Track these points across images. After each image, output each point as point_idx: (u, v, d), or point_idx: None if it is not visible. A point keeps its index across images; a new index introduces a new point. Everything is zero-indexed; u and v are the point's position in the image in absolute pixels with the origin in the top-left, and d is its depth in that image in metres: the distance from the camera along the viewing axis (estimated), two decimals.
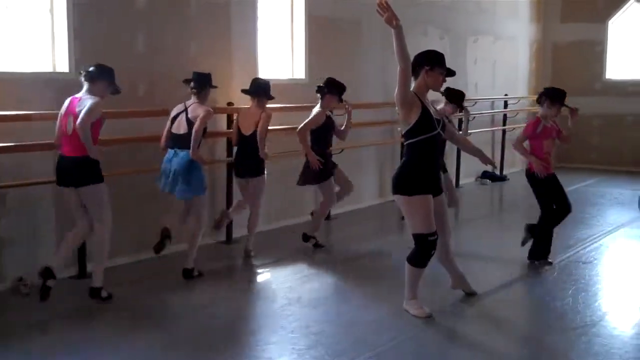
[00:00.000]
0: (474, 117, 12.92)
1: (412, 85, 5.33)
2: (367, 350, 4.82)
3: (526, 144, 6.94)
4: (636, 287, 6.49)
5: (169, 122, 6.41)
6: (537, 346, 5.13)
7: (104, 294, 5.78)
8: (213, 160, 7.70)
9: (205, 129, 6.33)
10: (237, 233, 7.95)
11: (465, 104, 7.86)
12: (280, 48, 8.99)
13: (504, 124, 13.65)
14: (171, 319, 5.52)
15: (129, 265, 6.81)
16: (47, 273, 5.52)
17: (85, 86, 5.62)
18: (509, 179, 13.21)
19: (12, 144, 5.89)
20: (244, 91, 7.18)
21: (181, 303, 5.90)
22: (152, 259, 6.69)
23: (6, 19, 6.23)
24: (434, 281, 6.04)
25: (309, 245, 7.69)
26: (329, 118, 7.56)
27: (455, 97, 7.49)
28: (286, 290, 6.25)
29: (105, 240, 5.76)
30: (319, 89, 7.45)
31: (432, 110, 5.39)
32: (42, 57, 6.44)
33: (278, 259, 7.32)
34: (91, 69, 5.63)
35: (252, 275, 6.91)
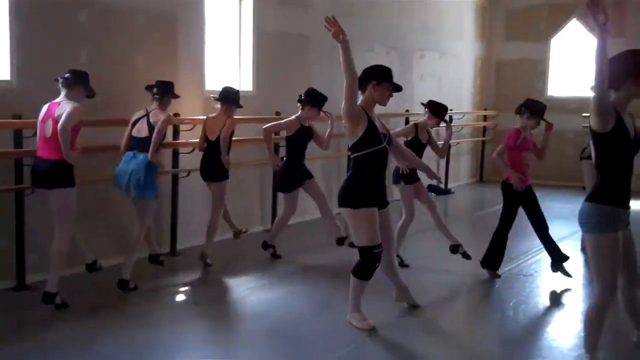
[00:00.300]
0: (462, 128, 13.14)
1: (360, 99, 5.40)
2: None
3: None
4: (576, 300, 6.64)
5: (129, 127, 6.55)
6: (479, 358, 5.21)
7: (57, 300, 5.81)
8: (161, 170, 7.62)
9: (164, 136, 6.53)
10: (180, 244, 7.88)
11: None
12: (228, 61, 8.99)
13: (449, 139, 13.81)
14: (108, 333, 5.40)
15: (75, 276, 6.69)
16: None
17: (63, 92, 5.84)
18: (453, 192, 13.43)
19: None
20: (214, 98, 7.35)
21: (116, 317, 5.76)
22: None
23: None
24: (378, 293, 6.08)
25: (267, 254, 7.75)
26: (306, 128, 7.56)
27: (438, 110, 7.45)
28: (230, 304, 6.22)
29: (64, 247, 5.84)
30: (300, 100, 7.48)
31: (378, 124, 5.46)
32: None
33: (226, 270, 7.28)
34: (67, 75, 5.85)
35: (198, 286, 6.85)
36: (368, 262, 5.38)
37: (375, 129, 5.36)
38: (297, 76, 9.70)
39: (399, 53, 12.25)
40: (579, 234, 8.56)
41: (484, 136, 15.35)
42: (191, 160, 7.76)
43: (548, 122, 7.17)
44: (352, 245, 7.28)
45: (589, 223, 4.47)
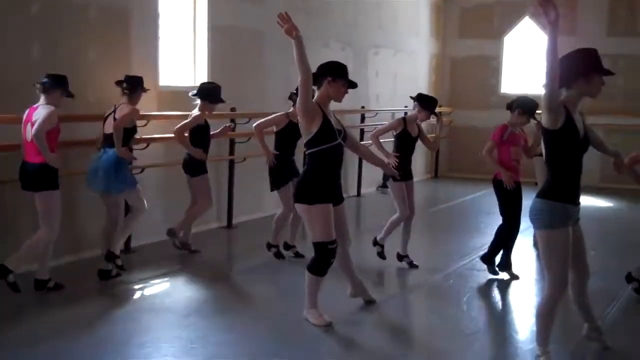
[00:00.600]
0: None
1: (315, 95, 5.40)
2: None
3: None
4: (529, 294, 6.74)
5: (102, 124, 6.65)
6: (434, 352, 5.26)
7: (50, 284, 6.11)
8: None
9: (135, 128, 6.68)
10: (135, 243, 7.79)
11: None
12: (182, 56, 8.90)
13: None
14: (58, 336, 5.26)
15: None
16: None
17: (42, 96, 5.94)
18: None
19: None
20: (192, 94, 7.45)
21: (67, 319, 5.62)
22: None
23: None
24: (334, 289, 6.10)
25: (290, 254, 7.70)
26: (295, 124, 7.32)
27: (428, 104, 7.31)
28: (185, 301, 6.17)
29: (41, 245, 5.98)
30: (291, 96, 7.39)
31: (333, 121, 5.46)
32: None
33: (178, 270, 7.22)
34: (44, 80, 5.93)
35: (150, 286, 6.77)
36: (323, 258, 5.39)
37: (330, 125, 5.36)
38: (253, 72, 9.65)
39: (354, 49, 12.28)
40: (531, 230, 8.69)
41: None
42: (150, 155, 7.69)
43: (538, 121, 7.07)
44: (297, 255, 7.58)
45: (540, 219, 4.54)
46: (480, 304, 6.29)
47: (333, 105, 5.57)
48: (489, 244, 7.16)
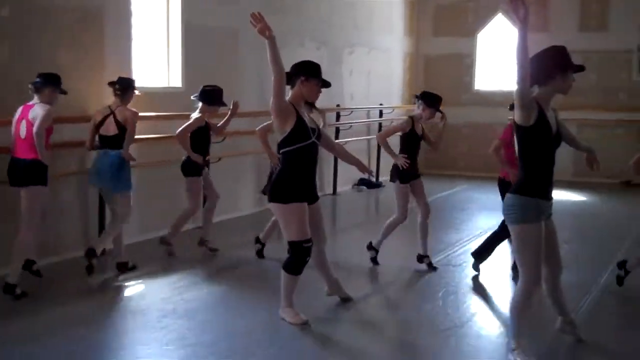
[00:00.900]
0: (392, 122, 13.30)
1: (289, 94, 5.41)
2: None
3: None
4: (503, 289, 6.80)
5: (93, 126, 6.81)
6: (409, 348, 5.30)
7: (17, 291, 6.01)
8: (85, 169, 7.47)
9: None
10: (109, 244, 7.71)
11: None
12: (156, 56, 8.85)
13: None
14: (31, 340, 5.21)
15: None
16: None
17: (35, 96, 6.09)
18: (384, 186, 13.54)
19: None
20: (194, 97, 7.52)
21: (41, 323, 5.55)
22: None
23: None
24: (311, 288, 6.11)
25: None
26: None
27: (432, 101, 7.13)
28: (161, 302, 6.14)
29: (25, 242, 6.08)
30: None
31: (307, 120, 5.47)
32: None
33: (152, 271, 7.18)
34: (37, 80, 6.08)
35: (125, 288, 6.73)
36: (298, 257, 5.40)
37: (304, 124, 5.37)
38: (228, 71, 9.62)
39: (329, 48, 12.29)
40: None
41: None
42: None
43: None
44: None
45: (513, 214, 4.59)
46: (456, 300, 6.33)
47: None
48: (483, 240, 7.17)
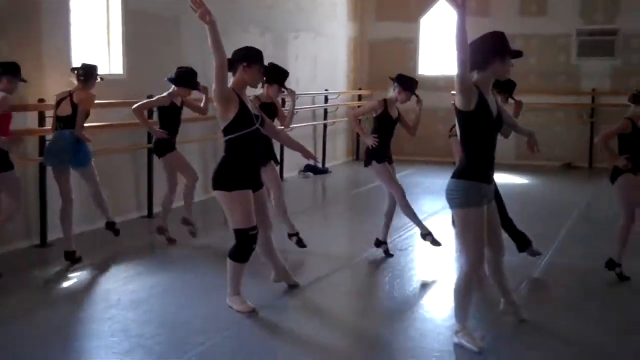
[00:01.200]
0: (337, 107, 13.31)
1: (231, 81, 5.36)
2: (189, 350, 4.78)
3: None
4: (448, 272, 6.89)
5: (54, 109, 6.91)
6: (356, 333, 5.34)
7: None
8: (25, 159, 7.30)
9: (89, 112, 6.98)
10: (51, 236, 7.59)
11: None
12: (96, 43, 8.67)
13: (325, 118, 14.03)
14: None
15: None
16: None
17: None
18: (331, 172, 13.60)
19: None
20: (168, 78, 7.59)
21: None
22: None
23: None
24: (257, 275, 6.09)
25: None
26: (266, 105, 7.09)
27: (408, 84, 7.02)
28: (105, 293, 6.06)
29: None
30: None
31: (250, 106, 5.44)
32: None
33: (98, 261, 7.08)
34: None
35: (67, 279, 6.60)
36: (244, 245, 5.38)
37: (247, 111, 5.34)
38: (169, 58, 9.47)
39: (274, 34, 12.22)
40: (449, 209, 8.91)
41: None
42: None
43: (516, 100, 6.87)
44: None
45: (455, 198, 4.65)
46: (401, 284, 6.40)
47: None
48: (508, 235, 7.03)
